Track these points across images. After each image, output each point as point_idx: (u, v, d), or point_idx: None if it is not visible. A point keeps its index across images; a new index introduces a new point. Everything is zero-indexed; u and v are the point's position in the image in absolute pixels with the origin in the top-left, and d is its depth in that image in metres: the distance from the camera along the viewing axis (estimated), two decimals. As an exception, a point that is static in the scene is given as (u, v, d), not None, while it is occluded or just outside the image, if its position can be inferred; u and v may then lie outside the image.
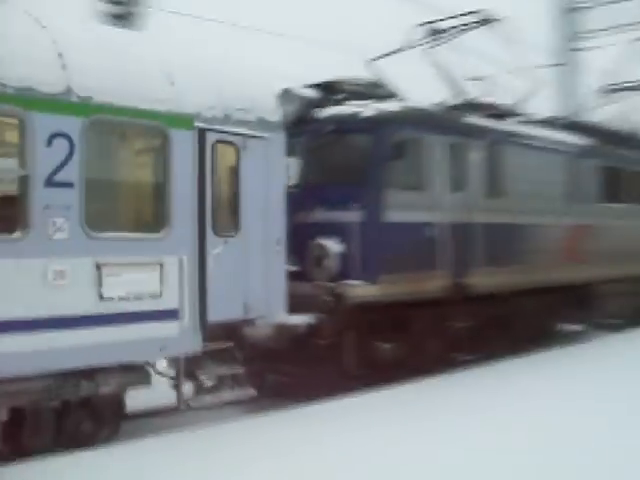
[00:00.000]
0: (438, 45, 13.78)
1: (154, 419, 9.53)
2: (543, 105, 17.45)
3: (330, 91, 11.57)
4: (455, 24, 13.90)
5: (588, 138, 15.26)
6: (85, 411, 7.67)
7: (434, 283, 11.10)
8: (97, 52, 7.75)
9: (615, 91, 20.19)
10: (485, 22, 13.71)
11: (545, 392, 9.99)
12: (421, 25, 13.90)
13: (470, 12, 13.60)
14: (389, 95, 12.17)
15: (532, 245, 13.12)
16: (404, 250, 10.68)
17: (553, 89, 25.24)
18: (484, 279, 11.86)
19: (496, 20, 13.77)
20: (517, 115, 14.31)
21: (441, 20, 14.02)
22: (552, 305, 13.93)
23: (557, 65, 25.24)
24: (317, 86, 11.62)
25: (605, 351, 13.79)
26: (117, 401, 8.04)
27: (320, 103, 11.36)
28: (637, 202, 16.50)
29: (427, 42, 13.79)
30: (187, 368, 8.49)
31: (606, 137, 15.99)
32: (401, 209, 10.68)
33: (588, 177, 14.76)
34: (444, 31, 13.82)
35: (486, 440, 7.66)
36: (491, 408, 9.14)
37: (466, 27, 13.82)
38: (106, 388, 7.75)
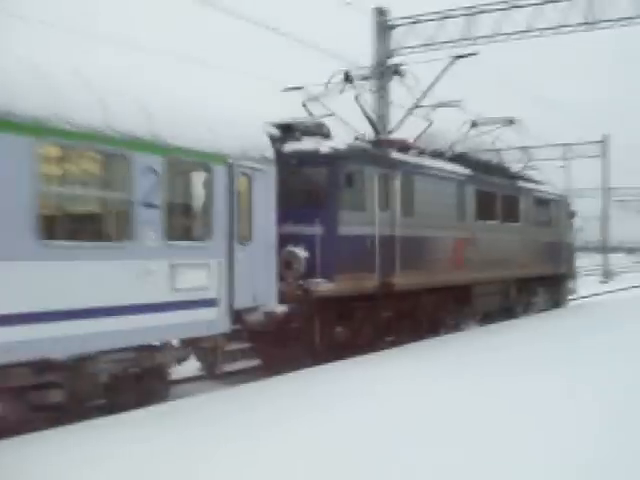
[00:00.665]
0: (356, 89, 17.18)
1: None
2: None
3: (287, 129, 14.57)
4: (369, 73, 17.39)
5: (468, 168, 19.11)
6: (154, 377, 10.26)
7: (370, 282, 14.39)
8: (163, 106, 10.39)
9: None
10: (396, 72, 17.25)
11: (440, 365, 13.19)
12: (343, 72, 17.28)
13: (386, 65, 17.08)
14: (328, 133, 15.35)
15: (433, 253, 16.74)
16: (352, 256, 13.91)
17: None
18: (402, 279, 15.29)
19: (404, 72, 17.39)
20: (416, 149, 17.94)
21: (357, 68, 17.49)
22: (443, 301, 17.62)
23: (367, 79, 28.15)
24: (276, 125, 14.59)
25: (482, 337, 17.65)
26: (168, 370, 10.66)
27: (281, 139, 14.34)
28: (505, 219, 20.65)
29: (348, 86, 17.16)
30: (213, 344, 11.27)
31: (481, 167, 19.98)
32: (350, 225, 13.90)
33: (470, 199, 18.62)
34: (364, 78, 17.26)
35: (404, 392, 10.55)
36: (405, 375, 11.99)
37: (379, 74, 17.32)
38: (165, 359, 10.39)
